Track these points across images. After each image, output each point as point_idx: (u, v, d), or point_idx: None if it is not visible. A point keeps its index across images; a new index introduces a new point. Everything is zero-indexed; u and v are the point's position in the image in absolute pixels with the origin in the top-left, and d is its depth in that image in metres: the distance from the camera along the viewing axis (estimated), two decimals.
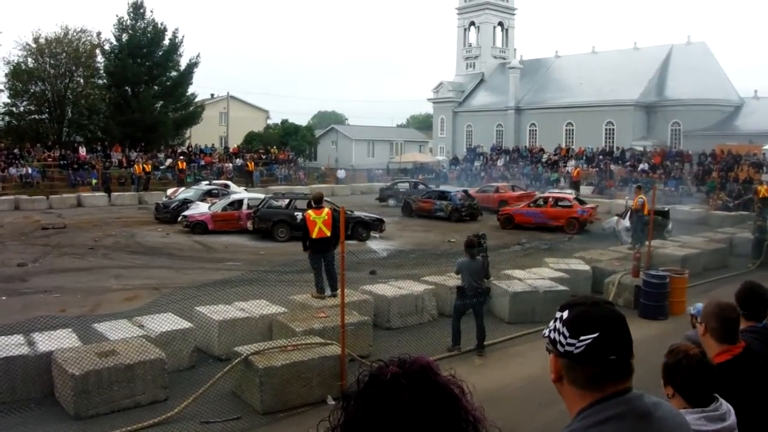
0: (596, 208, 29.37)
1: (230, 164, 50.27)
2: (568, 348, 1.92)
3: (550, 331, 2.01)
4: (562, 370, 1.98)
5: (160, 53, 55.29)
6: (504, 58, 73.58)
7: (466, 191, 34.48)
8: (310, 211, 13.19)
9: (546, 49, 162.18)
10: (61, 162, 43.62)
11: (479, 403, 1.63)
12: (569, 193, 32.79)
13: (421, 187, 40.15)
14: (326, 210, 13.01)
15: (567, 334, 1.93)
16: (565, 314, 1.97)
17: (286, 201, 25.70)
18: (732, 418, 2.87)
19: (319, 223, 12.72)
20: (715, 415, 2.85)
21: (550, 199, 29.41)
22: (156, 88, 55.13)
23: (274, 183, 48.58)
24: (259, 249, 22.52)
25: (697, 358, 2.98)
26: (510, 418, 7.98)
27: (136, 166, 42.93)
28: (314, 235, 12.75)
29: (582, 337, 1.90)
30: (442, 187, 38.41)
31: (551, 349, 2.00)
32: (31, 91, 48.27)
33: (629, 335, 1.95)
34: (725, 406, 2.90)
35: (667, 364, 3.05)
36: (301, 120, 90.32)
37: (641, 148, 52.31)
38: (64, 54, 48.11)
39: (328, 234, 12.68)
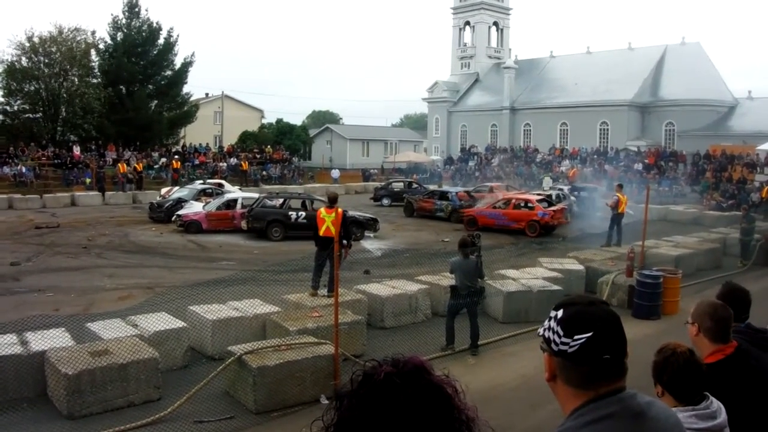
0: (564, 210, 28.13)
1: (224, 164, 50.26)
2: (562, 347, 1.93)
3: (544, 330, 2.01)
4: (556, 369, 1.98)
5: (155, 52, 55.21)
6: (499, 58, 73.70)
7: (468, 192, 34.40)
8: (322, 209, 13.57)
9: (541, 49, 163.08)
10: (55, 161, 43.47)
11: (473, 403, 1.63)
12: (541, 193, 31.77)
13: (415, 186, 40.17)
14: (338, 210, 13.19)
15: (561, 333, 1.93)
16: (560, 313, 1.97)
17: (280, 200, 25.69)
18: (723, 416, 2.88)
19: (327, 221, 13.01)
20: (706, 413, 2.87)
21: (513, 201, 28.39)
22: (150, 87, 55.10)
23: (269, 182, 48.52)
24: (253, 248, 22.49)
25: (684, 356, 2.99)
26: (503, 418, 7.99)
27: (119, 165, 42.34)
28: (321, 233, 13.04)
29: (576, 337, 1.90)
30: (444, 187, 38.14)
31: (545, 348, 2.00)
32: (25, 90, 48.03)
33: (623, 335, 1.95)
34: (716, 404, 2.91)
35: (655, 362, 3.08)
36: (296, 119, 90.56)
37: (635, 149, 52.44)
38: (58, 53, 47.92)
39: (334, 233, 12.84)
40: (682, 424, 2.10)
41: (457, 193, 33.36)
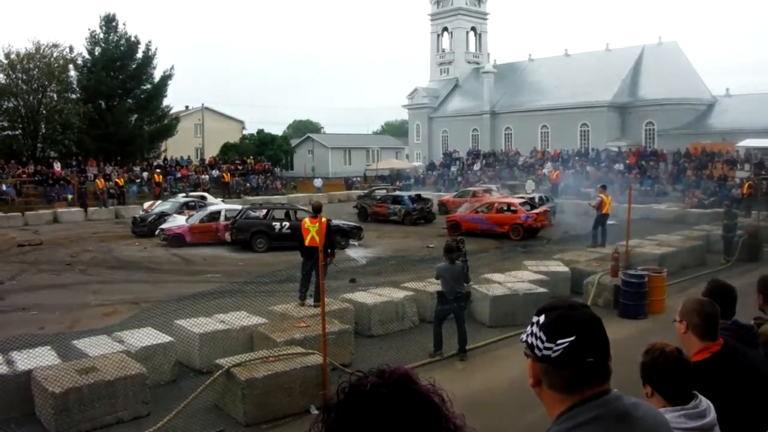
0: (547, 213, 28.20)
1: (206, 176, 50.07)
2: (545, 352, 1.93)
3: (527, 336, 2.01)
4: (540, 374, 1.99)
5: (134, 66, 55.06)
6: (478, 63, 73.99)
7: (419, 195, 35.79)
8: (306, 219, 13.82)
9: (519, 53, 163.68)
10: (36, 178, 43.17)
11: (462, 408, 1.63)
12: (524, 196, 32.32)
13: (397, 193, 40.37)
14: (322, 220, 13.27)
15: (544, 339, 1.94)
16: (542, 318, 1.97)
17: (264, 211, 25.63)
18: (712, 415, 2.88)
19: (312, 231, 13.15)
20: (695, 413, 2.86)
21: (495, 205, 28.40)
22: (130, 101, 54.93)
23: (251, 194, 48.34)
24: (237, 260, 22.43)
25: (673, 355, 2.99)
26: (493, 422, 8.00)
27: (97, 180, 41.85)
28: (306, 242, 13.17)
29: (559, 341, 1.90)
30: (396, 193, 39.13)
31: (529, 353, 2.00)
32: (4, 107, 47.75)
33: (606, 338, 1.96)
34: (705, 403, 2.91)
35: (644, 363, 3.07)
36: (277, 130, 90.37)
37: (616, 149, 52.67)
38: (36, 69, 47.64)
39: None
40: (669, 425, 2.11)
41: (409, 196, 34.58)
